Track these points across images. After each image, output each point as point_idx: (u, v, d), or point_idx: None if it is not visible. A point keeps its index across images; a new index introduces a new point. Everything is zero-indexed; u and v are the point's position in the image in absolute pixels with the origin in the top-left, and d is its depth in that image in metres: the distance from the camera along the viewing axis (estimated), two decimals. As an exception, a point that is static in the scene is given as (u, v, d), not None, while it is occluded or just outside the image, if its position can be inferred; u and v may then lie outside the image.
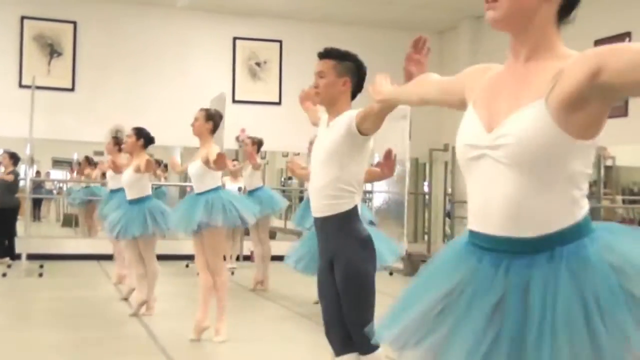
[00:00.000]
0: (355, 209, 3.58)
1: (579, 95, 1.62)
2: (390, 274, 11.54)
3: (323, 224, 3.61)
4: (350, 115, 3.56)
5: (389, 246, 4.52)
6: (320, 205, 3.59)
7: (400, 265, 11.66)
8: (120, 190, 8.37)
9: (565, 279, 1.63)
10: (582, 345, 1.56)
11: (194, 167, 6.22)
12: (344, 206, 3.54)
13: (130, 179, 7.26)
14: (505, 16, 1.78)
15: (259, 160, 9.50)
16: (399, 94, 2.67)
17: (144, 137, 7.37)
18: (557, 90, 1.65)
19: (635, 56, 1.53)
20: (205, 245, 6.16)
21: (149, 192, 7.36)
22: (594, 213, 11.40)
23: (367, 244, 3.58)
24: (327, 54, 3.72)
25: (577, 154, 1.70)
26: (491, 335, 1.67)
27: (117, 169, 8.10)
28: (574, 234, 1.69)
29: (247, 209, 6.55)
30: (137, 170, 7.14)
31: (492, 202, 1.75)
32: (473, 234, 1.81)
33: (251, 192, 9.39)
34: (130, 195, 7.27)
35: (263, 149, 10.22)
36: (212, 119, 6.25)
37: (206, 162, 5.98)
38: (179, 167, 7.61)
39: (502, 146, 1.71)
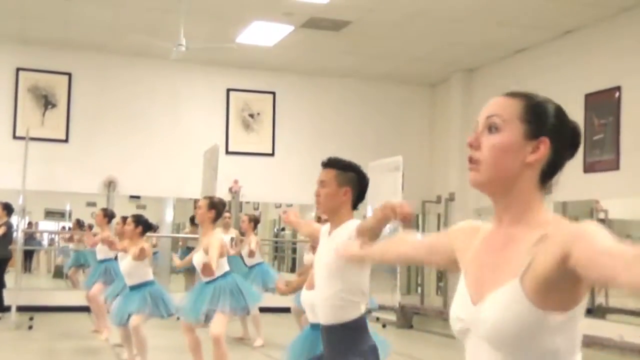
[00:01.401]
0: (361, 318, 3.56)
1: (551, 279, 1.62)
2: (384, 326, 11.45)
3: (328, 332, 3.60)
4: (350, 229, 3.56)
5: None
6: (324, 314, 3.59)
7: (393, 317, 11.59)
8: (108, 260, 8.41)
9: None
10: None
11: (198, 258, 6.21)
12: (348, 316, 3.54)
13: (129, 267, 7.13)
14: (487, 181, 1.78)
15: (253, 242, 9.52)
16: (374, 253, 2.57)
17: (142, 225, 7.29)
18: (530, 272, 1.64)
19: (597, 256, 1.52)
20: (211, 325, 6.19)
21: (150, 277, 7.18)
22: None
23: (371, 354, 3.56)
24: (329, 164, 3.72)
25: (559, 329, 1.66)
26: None
27: (113, 247, 8.09)
28: None
29: (252, 297, 6.59)
30: (135, 258, 7.07)
31: None
32: None
33: (250, 268, 9.50)
34: (130, 281, 7.11)
35: (256, 199, 10.27)
36: (215, 208, 6.27)
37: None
38: (179, 262, 7.59)
39: (482, 324, 1.71)
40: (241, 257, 9.68)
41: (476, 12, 10.01)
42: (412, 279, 14.37)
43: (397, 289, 11.55)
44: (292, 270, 11.49)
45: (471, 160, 1.80)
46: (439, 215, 13.70)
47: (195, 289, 6.58)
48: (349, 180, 3.68)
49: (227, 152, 12.88)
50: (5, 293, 10.91)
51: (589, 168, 10.08)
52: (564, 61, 10.83)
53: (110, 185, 12.37)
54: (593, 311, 10.81)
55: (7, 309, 10.32)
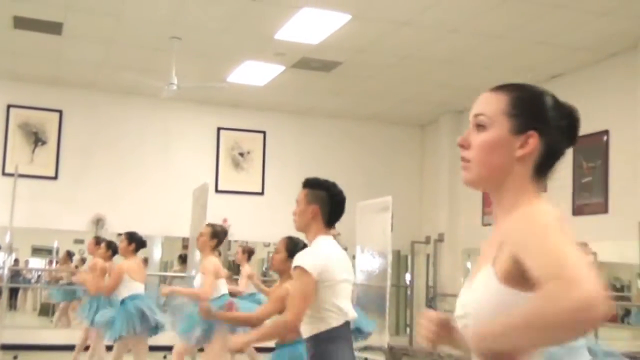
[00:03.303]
0: (333, 330, 3.60)
1: (517, 271, 1.58)
2: (372, 367, 11.36)
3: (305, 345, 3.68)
4: (313, 246, 3.74)
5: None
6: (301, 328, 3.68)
7: (382, 358, 11.50)
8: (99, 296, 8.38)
9: None
10: None
11: (197, 280, 6.60)
12: (319, 328, 3.59)
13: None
14: (478, 178, 1.77)
15: (247, 268, 9.62)
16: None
17: (135, 242, 7.62)
18: (500, 258, 1.64)
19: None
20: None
21: (135, 291, 7.50)
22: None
23: None
24: (304, 183, 3.94)
25: None
26: None
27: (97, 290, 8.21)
28: None
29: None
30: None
31: None
32: None
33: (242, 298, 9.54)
34: (121, 295, 7.47)
35: (245, 238, 10.31)
36: (217, 237, 6.60)
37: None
38: (166, 290, 7.60)
39: (465, 315, 1.72)
40: None
41: (465, 55, 10.11)
42: (400, 319, 14.31)
43: (386, 329, 11.48)
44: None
45: (463, 159, 1.79)
46: (428, 256, 13.67)
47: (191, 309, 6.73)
48: (318, 198, 3.83)
49: (217, 191, 12.88)
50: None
51: (577, 211, 10.12)
52: (552, 104, 10.90)
53: (98, 222, 12.32)
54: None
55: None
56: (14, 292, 14.36)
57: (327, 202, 3.84)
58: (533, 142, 1.73)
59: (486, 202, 12.22)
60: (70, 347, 10.65)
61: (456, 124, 13.17)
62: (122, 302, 7.39)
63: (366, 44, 9.87)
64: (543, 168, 1.77)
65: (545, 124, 1.75)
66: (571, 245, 1.50)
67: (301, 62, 10.76)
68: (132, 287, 7.50)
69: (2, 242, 10.89)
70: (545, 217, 1.59)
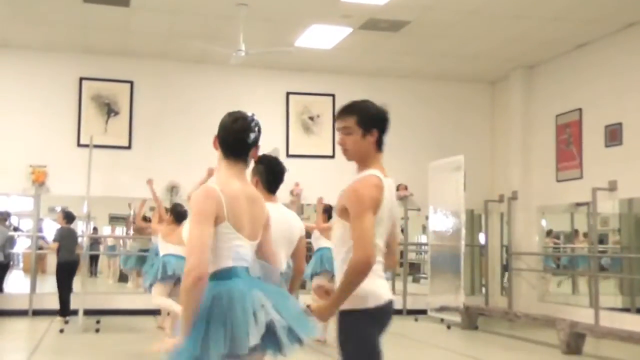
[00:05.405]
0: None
1: None
2: (448, 327, 11.35)
3: None
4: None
5: None
6: None
7: (457, 318, 11.48)
8: (167, 255, 8.89)
9: None
10: None
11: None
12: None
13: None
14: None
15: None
16: None
17: (174, 214, 9.16)
18: None
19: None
20: None
21: (166, 250, 8.94)
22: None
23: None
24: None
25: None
26: None
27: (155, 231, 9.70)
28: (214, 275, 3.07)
29: None
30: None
31: None
32: None
33: (317, 251, 9.57)
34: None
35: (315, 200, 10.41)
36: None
37: None
38: None
39: None
40: None
41: (535, 7, 9.87)
42: (476, 279, 14.22)
43: (461, 289, 11.43)
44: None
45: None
46: (501, 215, 13.53)
47: None
48: (257, 171, 4.56)
49: (288, 155, 12.93)
50: (71, 297, 11.10)
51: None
52: (627, 54, 10.60)
53: (172, 190, 12.52)
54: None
55: (75, 312, 10.50)
56: (93, 260, 14.76)
57: (264, 174, 4.53)
58: (215, 142, 3.46)
59: (560, 158, 11.99)
60: (149, 312, 10.93)
61: (527, 79, 12.91)
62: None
63: (433, 1, 9.73)
64: (231, 154, 3.53)
65: (221, 136, 3.55)
66: (200, 223, 3.10)
67: (368, 23, 10.67)
68: (165, 248, 8.92)
69: (80, 211, 11.15)
70: (198, 195, 3.22)
